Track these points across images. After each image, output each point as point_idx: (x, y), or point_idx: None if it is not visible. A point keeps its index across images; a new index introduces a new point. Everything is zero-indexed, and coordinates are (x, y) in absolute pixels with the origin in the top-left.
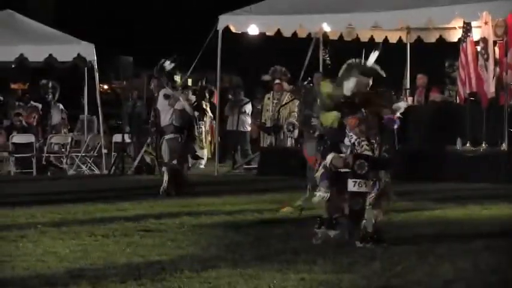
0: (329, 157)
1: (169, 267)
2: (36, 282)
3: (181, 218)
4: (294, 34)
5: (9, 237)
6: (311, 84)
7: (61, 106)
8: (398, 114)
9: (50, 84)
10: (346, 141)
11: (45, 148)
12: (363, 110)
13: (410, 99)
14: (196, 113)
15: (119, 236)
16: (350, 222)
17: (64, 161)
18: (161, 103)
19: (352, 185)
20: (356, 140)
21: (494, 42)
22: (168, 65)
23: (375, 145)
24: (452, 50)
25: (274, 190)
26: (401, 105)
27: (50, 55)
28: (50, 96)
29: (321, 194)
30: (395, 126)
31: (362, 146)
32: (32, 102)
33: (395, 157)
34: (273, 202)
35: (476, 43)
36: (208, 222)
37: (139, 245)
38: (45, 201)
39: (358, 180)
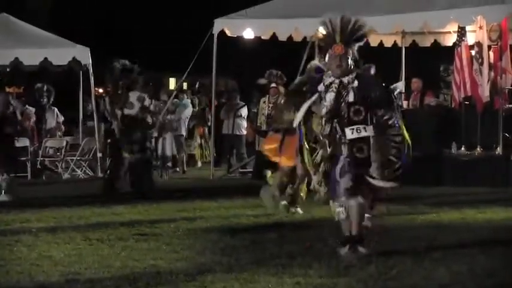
0: (304, 106)
1: (165, 272)
2: (31, 287)
3: (177, 222)
4: (290, 38)
5: (3, 241)
6: None
7: (56, 110)
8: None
9: (45, 88)
10: (320, 87)
11: (40, 152)
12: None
13: (405, 103)
14: None
15: (113, 240)
16: (353, 173)
17: (59, 164)
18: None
19: (350, 133)
20: (329, 82)
21: (489, 47)
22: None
23: (348, 89)
24: (447, 54)
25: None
26: (399, 85)
27: (45, 59)
28: (45, 100)
29: (339, 210)
30: (373, 72)
31: (332, 87)
32: (27, 106)
33: (386, 96)
34: None
35: (471, 47)
36: (204, 226)
37: (134, 249)
38: (39, 205)
39: (355, 127)
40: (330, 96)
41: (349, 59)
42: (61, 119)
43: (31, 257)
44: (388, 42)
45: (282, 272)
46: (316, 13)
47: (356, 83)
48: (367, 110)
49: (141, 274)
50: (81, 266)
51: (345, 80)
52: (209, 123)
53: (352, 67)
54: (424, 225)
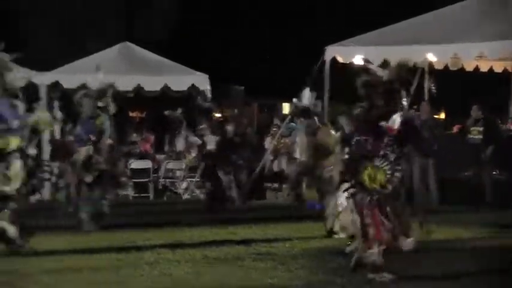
0: None
1: None
2: None
3: (292, 242)
4: None
5: (128, 258)
6: (417, 113)
7: (186, 134)
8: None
9: (175, 115)
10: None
11: (162, 173)
12: None
13: None
14: None
15: (231, 259)
16: None
17: (179, 185)
18: None
19: None
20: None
21: None
22: None
23: None
24: None
25: None
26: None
27: (165, 85)
28: (175, 126)
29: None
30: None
31: None
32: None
33: None
34: None
35: None
36: (317, 246)
37: (250, 268)
38: (160, 225)
39: None
40: None
41: None
42: (193, 139)
43: (152, 274)
44: (498, 68)
45: None
46: (425, 40)
47: None
48: None
49: None
50: (201, 285)
51: None
52: None
53: None
54: (462, 248)
